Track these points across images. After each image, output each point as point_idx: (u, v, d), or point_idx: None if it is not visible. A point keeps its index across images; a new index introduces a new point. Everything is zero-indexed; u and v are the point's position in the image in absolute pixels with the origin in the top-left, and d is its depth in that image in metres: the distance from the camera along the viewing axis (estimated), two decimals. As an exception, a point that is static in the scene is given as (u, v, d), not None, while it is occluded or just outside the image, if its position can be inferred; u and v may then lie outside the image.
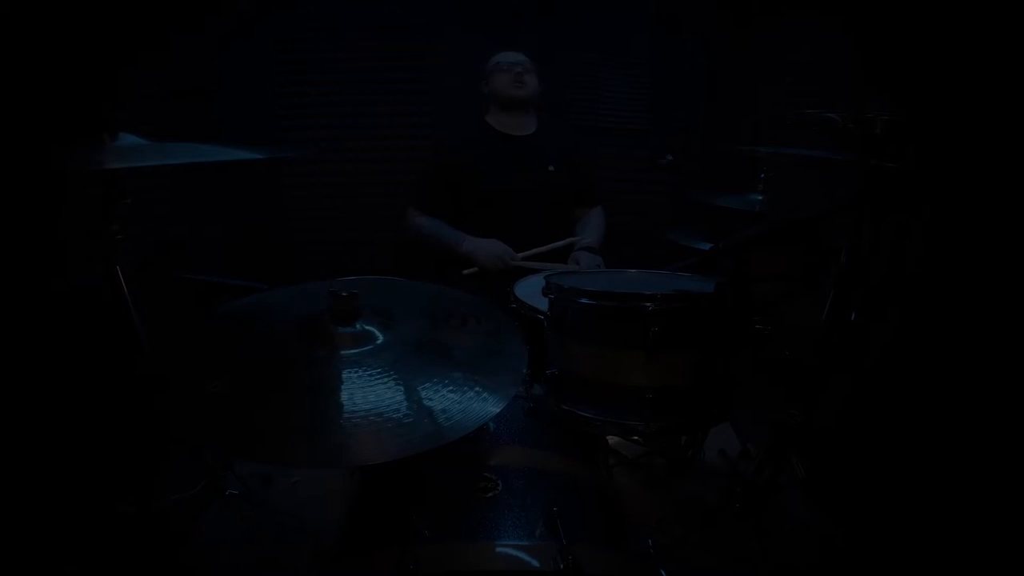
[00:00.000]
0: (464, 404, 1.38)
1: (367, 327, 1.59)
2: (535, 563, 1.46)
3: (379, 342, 1.56)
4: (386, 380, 1.41)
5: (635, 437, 2.76)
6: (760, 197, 3.18)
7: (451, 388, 1.42)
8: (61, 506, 2.31)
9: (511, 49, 3.49)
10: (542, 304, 2.11)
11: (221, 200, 4.05)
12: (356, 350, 1.52)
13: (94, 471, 2.50)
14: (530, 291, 2.40)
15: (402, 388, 1.39)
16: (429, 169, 3.57)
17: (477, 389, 1.43)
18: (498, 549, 1.50)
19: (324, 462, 1.26)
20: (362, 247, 4.28)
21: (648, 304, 1.81)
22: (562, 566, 1.39)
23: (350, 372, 1.43)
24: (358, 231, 4.26)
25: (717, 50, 4.27)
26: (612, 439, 2.89)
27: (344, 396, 1.35)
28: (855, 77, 3.18)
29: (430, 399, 1.38)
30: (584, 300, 1.90)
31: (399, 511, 1.58)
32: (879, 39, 2.85)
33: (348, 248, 4.28)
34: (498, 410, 1.39)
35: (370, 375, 1.43)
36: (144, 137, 1.97)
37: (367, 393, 1.36)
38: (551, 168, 3.39)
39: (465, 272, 3.17)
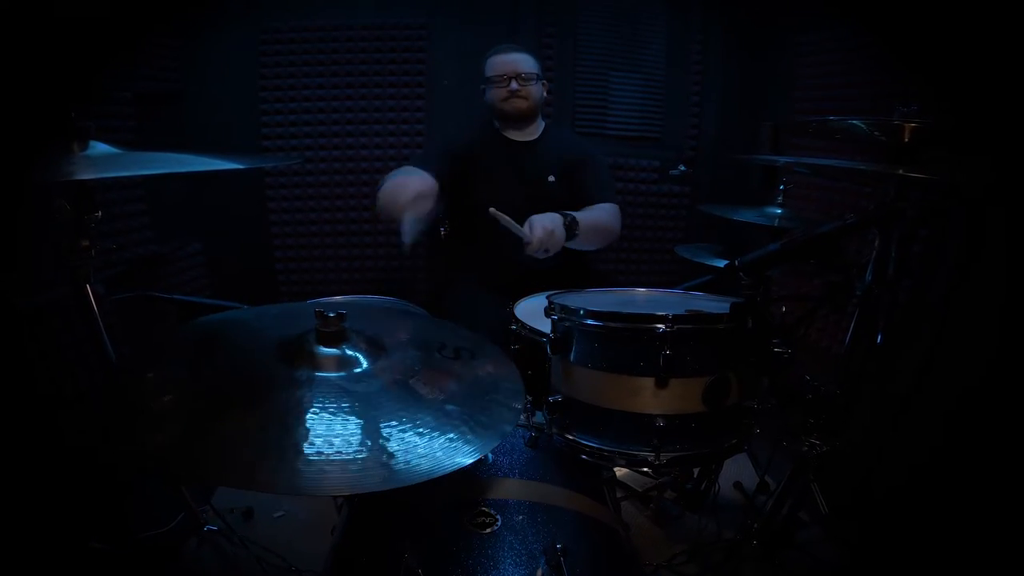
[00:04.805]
0: (430, 450, 1.35)
1: (351, 352, 1.58)
2: (537, 604, 1.46)
3: (361, 369, 1.55)
4: (349, 412, 1.39)
5: (644, 469, 2.75)
6: (779, 211, 3.17)
7: (421, 431, 1.39)
8: (29, 542, 2.29)
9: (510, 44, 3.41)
10: (544, 326, 2.10)
11: (199, 214, 4.06)
12: (334, 374, 1.51)
13: (64, 504, 2.49)
14: (532, 312, 2.40)
15: (361, 423, 1.37)
16: (437, 143, 3.55)
17: (451, 435, 1.41)
18: (497, 589, 1.50)
19: (285, 489, 1.24)
20: (353, 264, 4.29)
21: (659, 326, 1.80)
22: (566, 608, 1.39)
23: (321, 399, 1.41)
24: (348, 247, 4.26)
25: (732, 54, 4.28)
26: (620, 471, 2.88)
27: (309, 423, 1.34)
28: (881, 82, 3.18)
29: (387, 439, 1.34)
30: (590, 321, 1.90)
31: (390, 548, 1.58)
32: (907, 41, 2.85)
33: (338, 266, 4.28)
34: (470, 461, 1.36)
35: (338, 405, 1.41)
36: (116, 145, 1.97)
37: (331, 423, 1.35)
38: (551, 179, 3.34)
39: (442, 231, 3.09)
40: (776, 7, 4.05)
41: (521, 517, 1.68)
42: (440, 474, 1.30)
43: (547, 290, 2.43)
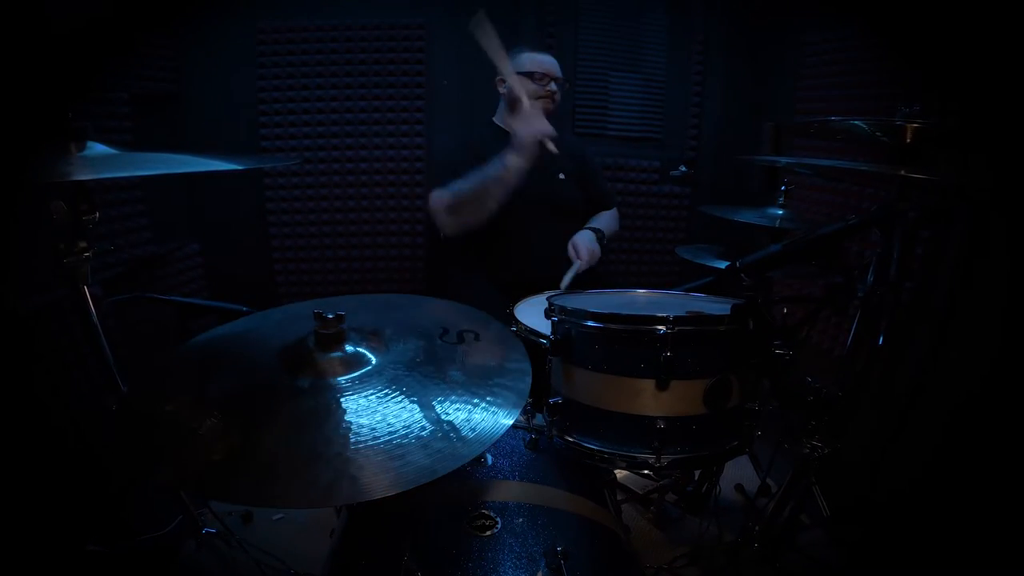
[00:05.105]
0: (479, 416, 1.42)
1: (358, 349, 1.59)
2: (537, 608, 1.46)
3: (373, 364, 1.56)
4: (400, 399, 1.44)
5: (645, 471, 2.75)
6: (780, 211, 3.17)
7: (462, 402, 1.46)
8: (26, 544, 2.29)
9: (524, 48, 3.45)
10: (544, 327, 2.10)
11: (197, 215, 4.06)
12: (350, 375, 1.52)
13: (62, 506, 2.49)
14: (531, 313, 2.40)
15: (417, 406, 1.41)
16: (455, 151, 3.43)
17: (483, 404, 1.46)
18: (497, 593, 1.50)
19: (322, 501, 1.24)
20: (352, 265, 4.28)
21: (660, 327, 1.79)
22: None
23: (348, 399, 1.44)
24: (347, 248, 4.26)
25: (733, 54, 4.29)
26: (620, 473, 2.88)
27: (346, 424, 1.36)
28: (883, 83, 3.19)
29: (447, 413, 1.41)
30: (590, 323, 1.89)
31: (389, 551, 1.58)
32: (910, 41, 2.84)
33: (336, 267, 4.28)
34: (512, 422, 1.43)
35: (378, 397, 1.44)
36: (114, 146, 1.97)
37: (373, 416, 1.38)
38: (561, 176, 3.42)
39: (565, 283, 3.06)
40: (778, 7, 4.05)
41: (521, 520, 1.68)
42: (499, 434, 1.39)
43: (550, 290, 2.44)
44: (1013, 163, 2.23)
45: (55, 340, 2.63)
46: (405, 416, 1.39)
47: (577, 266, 3.13)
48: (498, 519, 1.65)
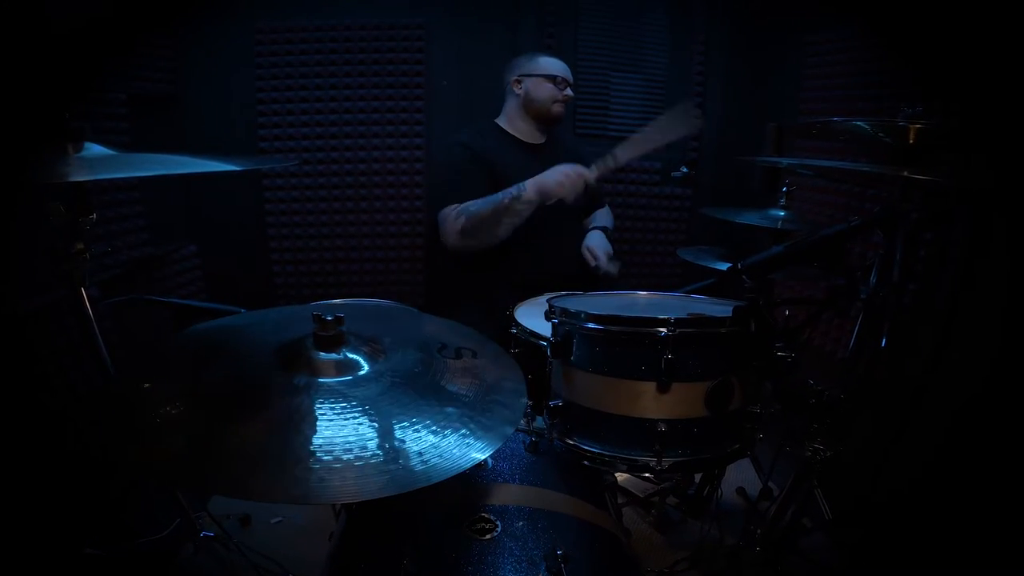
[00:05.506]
0: (443, 448, 1.35)
1: (351, 355, 1.58)
2: (537, 612, 1.45)
3: (363, 372, 1.55)
4: (359, 416, 1.39)
5: (646, 474, 2.75)
6: (782, 213, 3.17)
7: (433, 429, 1.39)
8: (23, 547, 2.29)
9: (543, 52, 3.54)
10: (545, 329, 2.09)
11: (196, 216, 4.06)
12: (336, 380, 1.50)
13: (59, 509, 2.48)
14: (532, 315, 2.39)
15: (376, 426, 1.37)
16: (462, 162, 3.38)
17: (463, 432, 1.41)
18: (496, 597, 1.50)
19: (289, 498, 1.23)
20: (351, 267, 4.28)
21: (661, 329, 1.79)
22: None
23: (325, 404, 1.41)
24: (346, 250, 4.25)
25: (735, 54, 4.28)
26: (621, 476, 2.88)
27: (314, 429, 1.33)
28: (887, 83, 3.18)
29: (403, 440, 1.34)
30: (591, 325, 1.89)
31: (388, 554, 1.58)
32: (913, 41, 2.84)
33: (336, 268, 4.27)
34: (483, 457, 1.38)
35: (345, 408, 1.40)
36: (112, 147, 1.96)
37: (339, 427, 1.34)
38: None
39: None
40: (779, 7, 4.05)
41: (521, 523, 1.68)
42: (459, 471, 1.31)
43: (559, 290, 2.44)
44: (1014, 163, 2.22)
45: (53, 341, 2.62)
46: (363, 432, 1.34)
47: (591, 264, 3.29)
48: (498, 522, 1.65)
